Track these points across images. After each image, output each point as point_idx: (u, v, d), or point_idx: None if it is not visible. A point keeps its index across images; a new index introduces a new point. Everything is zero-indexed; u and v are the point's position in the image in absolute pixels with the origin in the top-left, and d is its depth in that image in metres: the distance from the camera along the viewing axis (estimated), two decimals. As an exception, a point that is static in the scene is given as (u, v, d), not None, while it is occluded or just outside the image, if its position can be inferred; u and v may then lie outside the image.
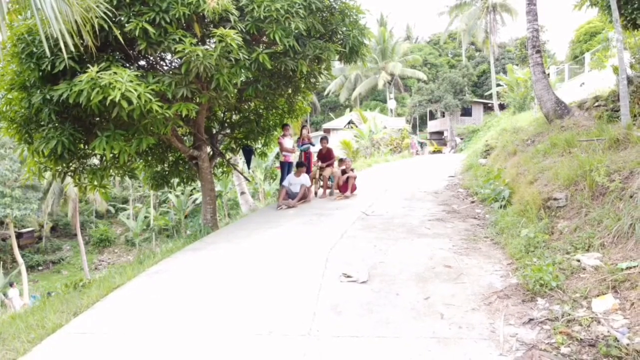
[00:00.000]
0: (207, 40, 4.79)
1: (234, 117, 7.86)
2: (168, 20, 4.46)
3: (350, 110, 34.94)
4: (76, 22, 3.23)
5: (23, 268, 24.39)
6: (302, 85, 6.97)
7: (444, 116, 33.15)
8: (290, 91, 7.06)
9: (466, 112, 32.22)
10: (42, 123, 4.86)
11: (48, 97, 4.55)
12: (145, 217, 35.70)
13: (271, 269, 3.97)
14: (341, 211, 6.23)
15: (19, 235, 29.14)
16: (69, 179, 6.07)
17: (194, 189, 32.52)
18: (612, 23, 8.75)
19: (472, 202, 6.30)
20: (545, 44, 23.60)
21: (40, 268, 30.38)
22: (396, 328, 2.72)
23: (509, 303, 2.99)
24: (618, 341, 2.31)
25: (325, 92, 40.40)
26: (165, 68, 5.74)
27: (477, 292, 3.18)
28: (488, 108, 32.54)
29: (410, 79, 40.02)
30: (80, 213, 31.88)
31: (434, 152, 29.89)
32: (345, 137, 19.28)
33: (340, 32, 6.08)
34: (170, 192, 36.02)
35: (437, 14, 33.83)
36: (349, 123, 28.74)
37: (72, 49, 3.45)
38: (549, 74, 24.97)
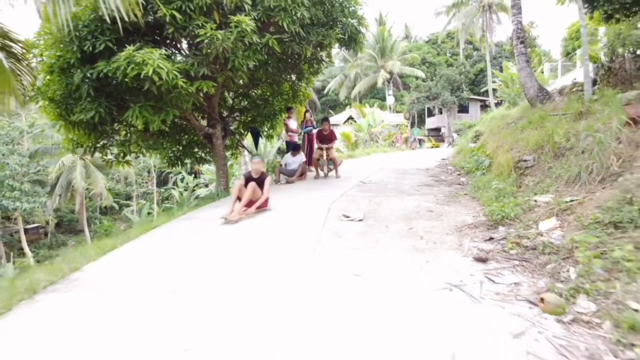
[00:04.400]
0: (225, 27, 5.48)
1: (242, 102, 8.57)
2: (192, 8, 5.19)
3: (351, 107, 35.66)
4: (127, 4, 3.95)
5: (31, 262, 25.07)
6: (306, 71, 7.69)
7: (441, 113, 33.86)
8: (294, 77, 7.78)
9: (463, 109, 32.96)
10: (81, 99, 5.57)
11: (88, 74, 5.27)
12: (149, 213, 36.35)
13: (283, 216, 4.71)
14: (340, 181, 6.96)
15: (24, 231, 29.82)
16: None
17: (197, 185, 33.23)
18: (592, 19, 9.48)
19: (459, 174, 7.03)
20: (536, 39, 24.31)
21: (46, 263, 30.98)
22: (384, 244, 3.45)
23: (476, 231, 3.72)
24: (552, 244, 3.03)
25: (325, 91, 41.15)
26: (187, 51, 6.44)
27: (452, 225, 3.90)
28: (485, 105, 33.24)
29: (409, 77, 40.72)
30: (77, 211, 32.53)
31: (432, 147, 30.60)
32: (345, 130, 20.03)
33: (340, 21, 6.82)
34: (173, 188, 36.80)
35: (435, 14, 34.48)
36: (348, 119, 29.50)
37: (121, 25, 4.16)
38: (542, 71, 25.70)
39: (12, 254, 26.02)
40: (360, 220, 4.15)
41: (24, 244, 26.94)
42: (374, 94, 43.66)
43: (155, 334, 2.17)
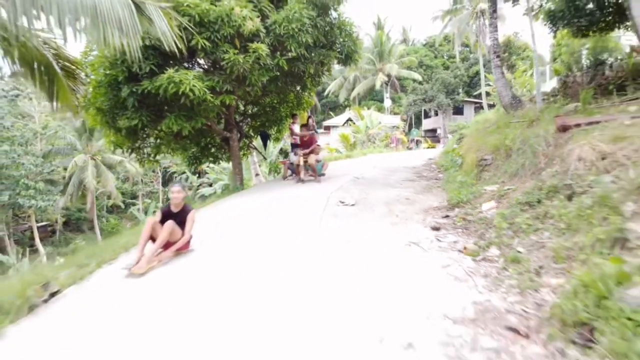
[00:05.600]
0: (244, 52, 6.73)
1: (253, 109, 9.85)
2: (219, 37, 6.44)
3: (349, 109, 36.92)
4: (169, 33, 5.20)
5: (44, 259, 26.25)
6: (309, 83, 8.95)
7: (437, 115, 35.15)
8: (299, 88, 9.04)
9: (458, 111, 34.23)
10: (126, 109, 6.83)
11: (134, 90, 6.54)
12: (154, 211, 37.49)
13: (291, 204, 5.97)
14: (337, 177, 8.24)
15: (25, 231, 31.04)
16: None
17: (201, 184, 34.50)
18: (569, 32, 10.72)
19: (439, 171, 8.29)
20: (526, 48, 25.63)
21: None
22: (369, 221, 4.72)
23: (437, 211, 4.99)
24: (486, 218, 4.30)
25: (325, 93, 42.42)
26: (212, 70, 7.71)
27: (421, 208, 5.18)
28: (479, 107, 34.52)
29: (406, 80, 42.00)
30: (88, 210, 33.76)
31: (428, 147, 31.91)
32: (343, 132, 21.31)
33: (338, 43, 8.08)
34: (178, 187, 37.69)
35: (432, 18, 35.73)
36: (347, 120, 30.77)
37: (171, 50, 5.40)
38: (532, 75, 26.95)
39: (27, 249, 27.26)
40: (352, 205, 5.42)
41: (37, 241, 28.14)
42: (372, 96, 44.94)
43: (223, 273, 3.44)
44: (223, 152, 9.54)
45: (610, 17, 8.39)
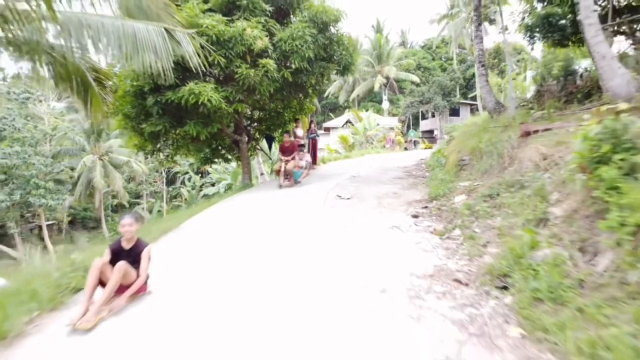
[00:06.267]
0: (254, 66, 7.69)
1: (259, 114, 10.83)
2: (232, 54, 7.41)
3: (349, 111, 37.90)
4: (194, 55, 6.16)
5: (54, 257, 27.14)
6: (310, 91, 9.92)
7: (434, 116, 36.11)
8: (301, 96, 10.01)
9: (454, 113, 35.19)
10: (151, 116, 7.80)
11: (158, 99, 7.51)
12: (159, 210, 38.47)
13: (296, 198, 6.95)
14: (335, 175, 9.23)
15: (40, 228, 32.01)
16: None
17: (204, 184, 35.45)
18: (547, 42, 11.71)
19: (427, 170, 9.27)
20: (520, 52, 26.59)
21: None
22: (362, 211, 5.70)
23: (419, 203, 5.97)
24: (456, 208, 5.27)
25: (326, 94, 43.40)
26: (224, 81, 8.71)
27: (405, 201, 6.15)
28: (475, 108, 35.47)
29: (405, 82, 43.01)
30: (96, 208, 34.69)
31: (426, 148, 32.90)
32: (343, 134, 22.30)
33: (337, 56, 9.04)
34: (181, 187, 38.95)
35: (429, 22, 36.72)
36: (346, 122, 31.75)
37: (194, 68, 6.36)
38: (525, 78, 27.94)
39: (38, 247, 28.20)
40: (348, 198, 6.39)
41: (47, 239, 29.07)
42: (371, 98, 45.86)
43: (239, 249, 4.42)
44: (232, 153, 10.52)
45: (580, 33, 9.40)
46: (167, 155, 9.12)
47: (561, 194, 3.88)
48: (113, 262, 3.21)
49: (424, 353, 2.31)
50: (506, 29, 9.11)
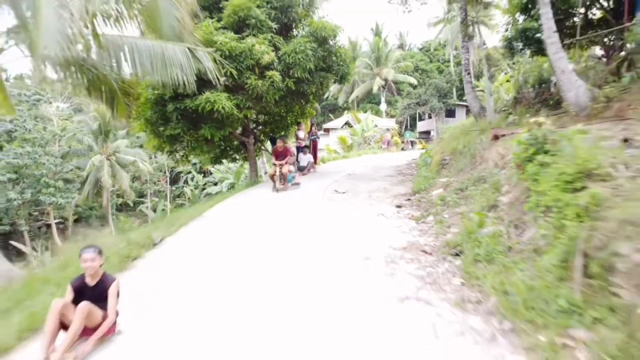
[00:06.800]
0: (262, 77, 8.72)
1: (265, 118, 11.88)
2: (243, 67, 8.45)
3: (348, 112, 38.94)
4: (213, 70, 7.20)
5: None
6: (311, 98, 10.97)
7: (430, 117, 37.16)
8: (303, 102, 11.06)
9: (450, 114, 36.24)
10: (170, 121, 8.83)
11: (178, 106, 8.55)
12: (163, 209, 39.43)
13: (298, 193, 7.99)
14: (334, 173, 10.28)
15: (48, 226, 33.04)
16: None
17: (206, 183, 36.42)
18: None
19: (415, 169, 10.31)
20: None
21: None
22: (355, 203, 6.76)
23: (403, 197, 7.02)
24: (433, 199, 6.32)
25: (326, 96, 44.44)
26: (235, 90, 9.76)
27: (393, 195, 7.20)
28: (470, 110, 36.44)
29: (403, 84, 44.07)
30: (102, 206, 35.68)
31: (422, 148, 33.96)
32: (342, 134, 23.34)
33: (335, 66, 10.08)
34: (184, 186, 39.93)
35: (427, 25, 37.73)
36: (345, 123, 32.81)
37: (213, 80, 7.38)
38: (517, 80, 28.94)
39: (49, 243, 29.23)
40: (344, 193, 7.44)
41: (55, 236, 30.07)
42: (370, 99, 46.90)
43: (250, 235, 5.47)
44: (240, 154, 11.57)
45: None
46: (183, 155, 10.18)
47: (509, 186, 4.93)
48: (76, 301, 2.84)
49: (392, 295, 3.36)
50: (484, 43, 10.14)
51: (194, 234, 5.50)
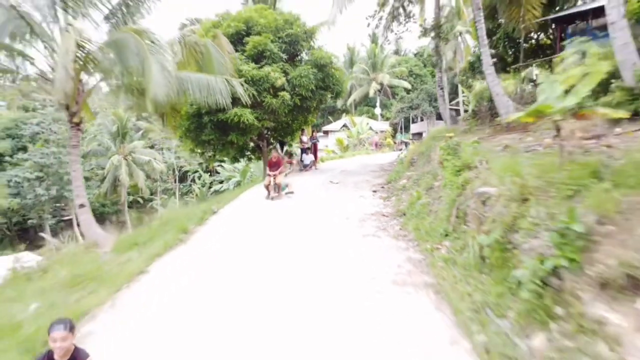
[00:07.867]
0: (275, 96, 11.45)
1: (275, 125, 14.63)
2: (261, 89, 11.18)
3: (346, 115, 41.71)
4: (244, 94, 9.92)
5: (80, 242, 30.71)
6: (312, 110, 13.73)
7: (422, 120, 39.92)
8: (306, 113, 13.83)
9: (440, 117, 38.91)
10: (206, 129, 11.57)
11: (212, 118, 11.30)
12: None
13: (300, 184, 10.74)
14: (331, 170, 13.04)
15: (62, 221, 35.68)
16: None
17: (213, 181, 39.03)
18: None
19: (395, 166, 13.06)
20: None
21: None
22: (344, 190, 9.53)
23: (379, 185, 9.78)
24: (398, 186, 9.08)
25: (325, 99, 47.04)
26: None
27: (373, 184, 9.98)
28: (457, 114, 39.18)
29: (397, 88, 46.83)
30: (115, 203, 38.27)
31: (414, 149, 36.68)
32: (339, 136, 26.12)
33: (331, 85, 12.83)
34: (192, 184, 42.55)
35: (418, 35, 40.32)
36: (343, 126, 35.59)
37: (244, 99, 10.10)
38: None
39: (74, 234, 31.88)
40: (337, 183, 10.19)
41: (76, 230, 32.66)
42: (367, 102, 49.61)
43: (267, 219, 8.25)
44: (255, 154, 14.36)
45: (515, 63, 13.27)
46: (211, 155, 12.97)
47: (441, 175, 7.68)
48: None
49: (360, 234, 6.11)
50: (451, 69, 12.92)
51: (236, 207, 8.24)
